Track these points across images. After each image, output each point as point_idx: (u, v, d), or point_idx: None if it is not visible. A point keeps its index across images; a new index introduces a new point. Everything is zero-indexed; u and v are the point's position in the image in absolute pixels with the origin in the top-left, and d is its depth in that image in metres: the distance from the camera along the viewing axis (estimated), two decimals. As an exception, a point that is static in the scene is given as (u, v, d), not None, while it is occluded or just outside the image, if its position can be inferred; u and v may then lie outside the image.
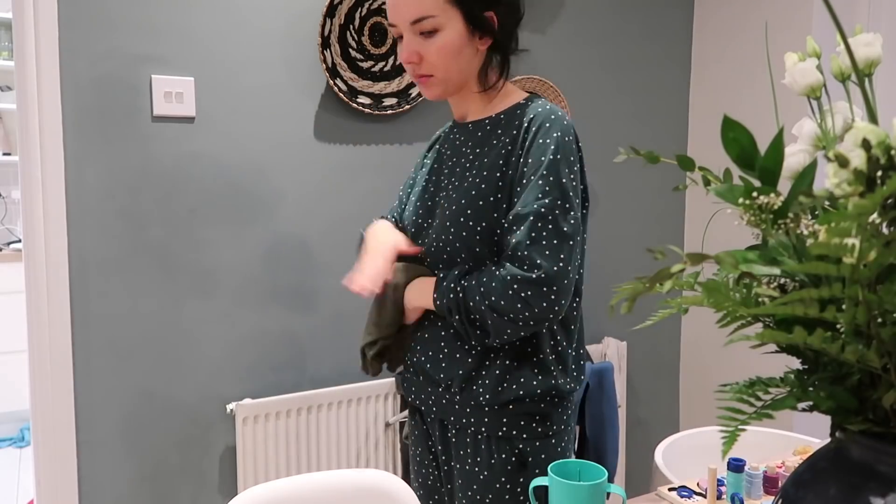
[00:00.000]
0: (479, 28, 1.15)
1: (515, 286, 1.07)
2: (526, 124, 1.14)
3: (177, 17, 1.78)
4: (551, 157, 1.10)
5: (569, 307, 1.17)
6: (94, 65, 1.70)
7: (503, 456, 1.17)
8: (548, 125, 1.12)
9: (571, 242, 1.09)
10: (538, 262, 1.06)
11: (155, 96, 1.76)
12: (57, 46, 1.65)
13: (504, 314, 1.08)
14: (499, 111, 1.21)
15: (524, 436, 1.17)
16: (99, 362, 1.76)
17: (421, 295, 1.19)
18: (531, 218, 1.08)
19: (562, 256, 1.07)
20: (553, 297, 1.07)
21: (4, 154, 3.87)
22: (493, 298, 1.08)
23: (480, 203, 1.14)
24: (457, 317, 1.13)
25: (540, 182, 1.09)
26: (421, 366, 1.24)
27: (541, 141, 1.11)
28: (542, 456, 1.18)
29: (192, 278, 1.85)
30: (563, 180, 1.10)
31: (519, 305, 1.06)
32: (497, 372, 1.16)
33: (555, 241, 1.07)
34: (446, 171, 1.26)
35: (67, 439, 1.73)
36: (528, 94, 1.23)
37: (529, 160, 1.11)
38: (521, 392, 1.16)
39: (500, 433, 1.17)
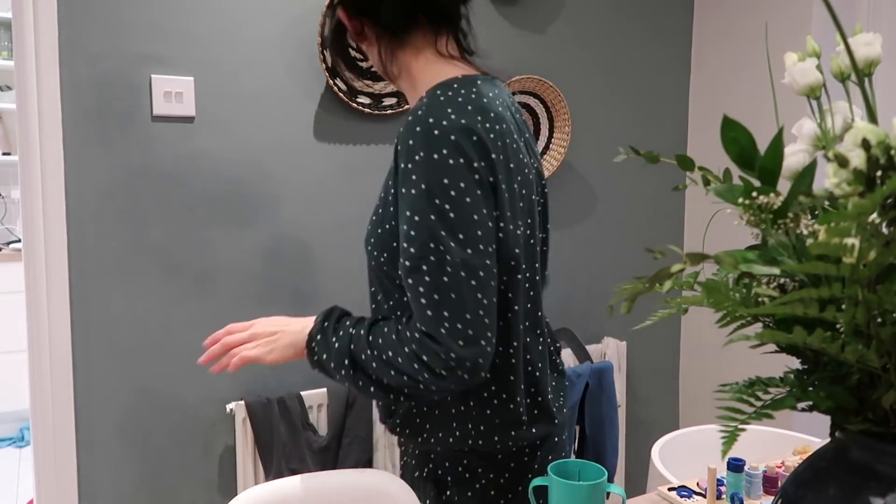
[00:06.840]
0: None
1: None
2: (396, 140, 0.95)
3: (176, 17, 1.78)
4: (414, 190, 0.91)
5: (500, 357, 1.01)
6: (94, 65, 1.70)
7: None
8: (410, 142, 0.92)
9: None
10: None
11: (155, 96, 1.76)
12: (57, 46, 1.65)
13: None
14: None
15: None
16: (99, 362, 1.76)
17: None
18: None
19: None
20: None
21: (4, 154, 3.87)
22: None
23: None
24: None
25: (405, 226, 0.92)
26: None
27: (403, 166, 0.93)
28: None
29: (191, 278, 1.85)
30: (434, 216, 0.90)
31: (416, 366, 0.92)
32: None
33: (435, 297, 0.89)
34: None
35: (67, 439, 1.73)
36: (440, 83, 0.96)
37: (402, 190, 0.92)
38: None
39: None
